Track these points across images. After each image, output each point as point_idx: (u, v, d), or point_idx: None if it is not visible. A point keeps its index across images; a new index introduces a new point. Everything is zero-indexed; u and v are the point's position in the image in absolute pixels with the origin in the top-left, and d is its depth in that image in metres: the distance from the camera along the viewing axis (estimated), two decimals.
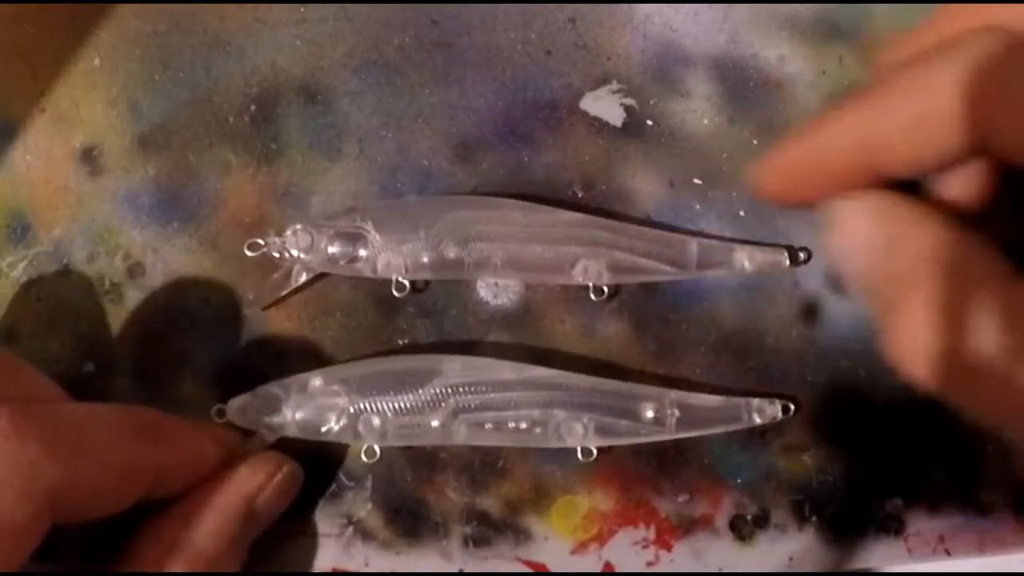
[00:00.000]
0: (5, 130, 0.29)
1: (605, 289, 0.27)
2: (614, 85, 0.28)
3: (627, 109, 0.28)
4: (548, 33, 0.29)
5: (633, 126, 0.28)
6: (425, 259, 0.27)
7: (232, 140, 0.29)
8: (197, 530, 0.24)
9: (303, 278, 0.28)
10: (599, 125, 0.28)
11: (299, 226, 0.27)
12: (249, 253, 0.27)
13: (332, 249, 0.27)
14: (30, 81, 0.29)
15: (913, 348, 0.20)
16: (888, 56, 0.24)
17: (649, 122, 0.28)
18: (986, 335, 0.19)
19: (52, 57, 0.29)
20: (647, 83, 0.28)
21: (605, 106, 0.28)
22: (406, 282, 0.27)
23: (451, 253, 0.27)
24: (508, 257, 0.27)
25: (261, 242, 0.27)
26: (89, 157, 0.29)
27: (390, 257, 0.27)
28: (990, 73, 0.19)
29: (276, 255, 0.27)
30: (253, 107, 0.29)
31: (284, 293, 0.28)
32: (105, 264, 0.28)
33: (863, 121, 0.21)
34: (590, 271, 0.27)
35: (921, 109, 0.20)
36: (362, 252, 0.27)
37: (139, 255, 0.28)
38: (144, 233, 0.29)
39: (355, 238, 0.27)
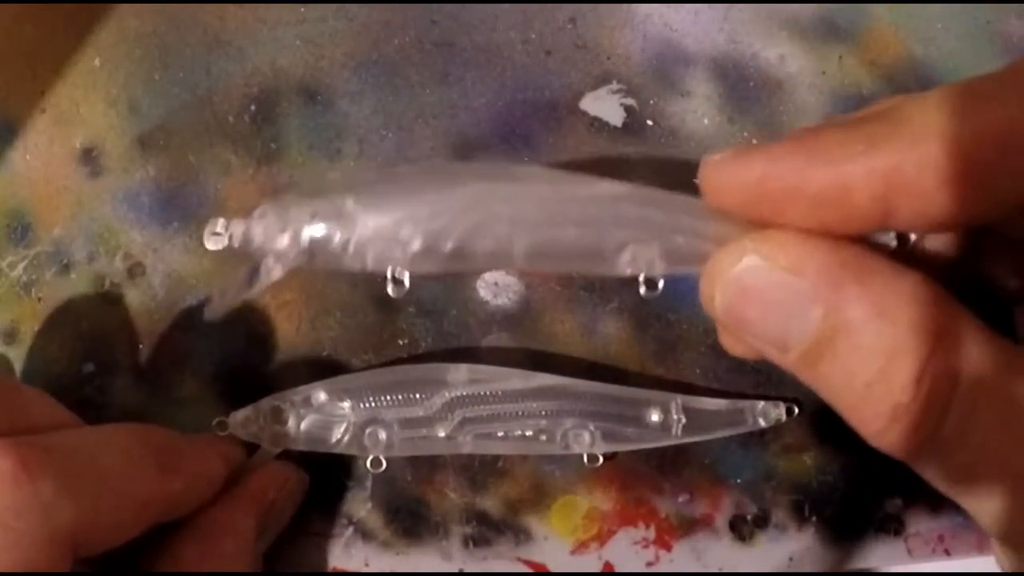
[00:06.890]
0: (5, 130, 0.29)
1: (660, 284, 0.21)
2: (614, 85, 0.28)
3: (627, 109, 0.28)
4: (548, 33, 0.29)
5: (633, 126, 0.28)
6: (426, 248, 0.20)
7: (232, 140, 0.29)
8: (220, 554, 0.23)
9: (276, 274, 0.21)
10: (599, 125, 0.28)
11: (268, 206, 0.20)
12: (210, 247, 0.21)
13: (309, 233, 0.20)
14: (30, 81, 0.29)
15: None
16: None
17: (649, 122, 0.28)
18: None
19: (52, 57, 0.29)
20: (647, 83, 0.28)
21: (605, 106, 0.28)
22: (404, 277, 0.21)
23: (459, 240, 0.20)
24: (532, 244, 0.20)
25: (220, 230, 0.21)
26: (89, 157, 0.29)
27: (382, 247, 0.20)
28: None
29: (238, 246, 0.21)
30: (253, 107, 0.29)
31: (252, 293, 0.21)
32: (105, 264, 0.28)
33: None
34: (639, 260, 0.20)
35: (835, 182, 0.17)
36: (348, 239, 0.20)
37: (139, 255, 0.28)
38: (144, 233, 0.28)
39: (339, 221, 0.20)
